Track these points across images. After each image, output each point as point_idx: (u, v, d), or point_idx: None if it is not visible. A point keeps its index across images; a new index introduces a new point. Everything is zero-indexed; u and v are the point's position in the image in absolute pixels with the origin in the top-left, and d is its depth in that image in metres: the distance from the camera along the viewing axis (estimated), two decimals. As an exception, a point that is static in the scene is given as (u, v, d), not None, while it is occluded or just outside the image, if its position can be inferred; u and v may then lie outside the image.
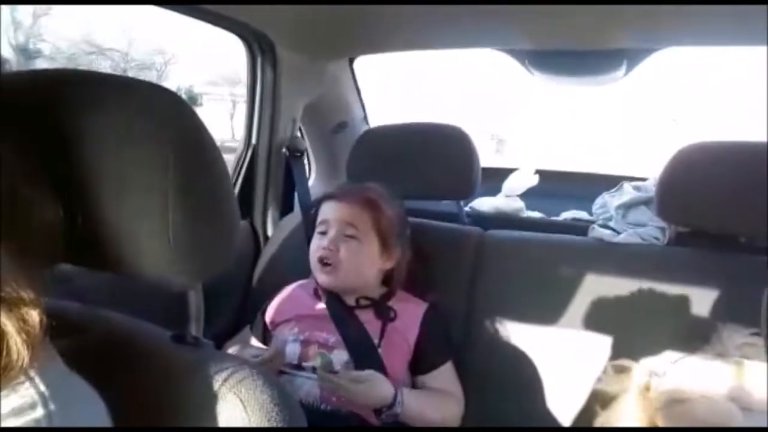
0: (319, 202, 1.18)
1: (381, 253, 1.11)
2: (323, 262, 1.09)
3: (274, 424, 0.49)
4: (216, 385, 0.49)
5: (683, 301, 1.04)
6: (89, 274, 0.51)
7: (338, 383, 0.95)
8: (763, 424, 0.81)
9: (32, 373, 0.39)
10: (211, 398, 0.49)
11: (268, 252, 1.42)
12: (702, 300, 1.04)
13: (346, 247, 1.09)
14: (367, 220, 1.10)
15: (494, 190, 1.69)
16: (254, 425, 0.48)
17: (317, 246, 1.12)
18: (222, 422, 0.48)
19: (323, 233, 1.12)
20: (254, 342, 1.17)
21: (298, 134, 1.57)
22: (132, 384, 0.50)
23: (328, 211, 1.13)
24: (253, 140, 1.42)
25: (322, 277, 1.10)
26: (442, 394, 1.07)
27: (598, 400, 0.98)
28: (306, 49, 1.41)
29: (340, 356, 1.04)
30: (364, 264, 1.10)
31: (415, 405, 1.01)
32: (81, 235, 0.47)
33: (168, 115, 0.49)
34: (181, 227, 0.48)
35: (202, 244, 0.51)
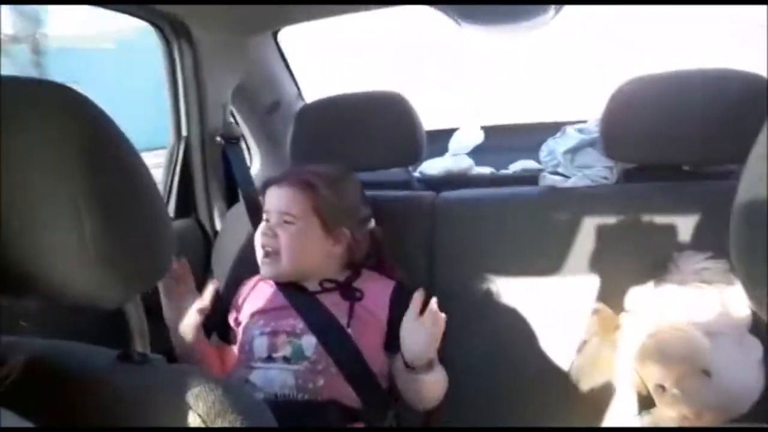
0: (262, 189, 1.13)
1: (326, 236, 1.07)
2: (265, 253, 1.06)
3: None
4: (171, 404, 0.45)
5: (639, 236, 1.06)
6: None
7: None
8: (727, 347, 0.83)
9: None
10: (168, 418, 0.45)
11: (219, 247, 1.36)
12: (657, 232, 1.05)
13: (285, 233, 1.05)
14: (305, 203, 1.06)
15: (441, 152, 1.68)
16: None
17: (258, 234, 1.08)
18: None
19: (266, 220, 1.09)
20: (214, 338, 1.12)
21: (231, 120, 1.49)
22: (75, 413, 0.45)
23: (268, 198, 1.10)
24: (183, 132, 1.34)
25: (263, 269, 1.07)
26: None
27: (571, 346, 0.99)
28: (223, 27, 1.33)
29: (309, 341, 1.01)
30: (307, 249, 1.06)
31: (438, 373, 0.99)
32: None
33: (70, 113, 0.44)
34: (99, 237, 0.42)
35: (127, 253, 0.45)
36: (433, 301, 0.94)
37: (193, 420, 0.45)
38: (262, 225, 1.09)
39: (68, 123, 0.43)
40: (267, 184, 1.12)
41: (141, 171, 0.47)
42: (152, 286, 0.50)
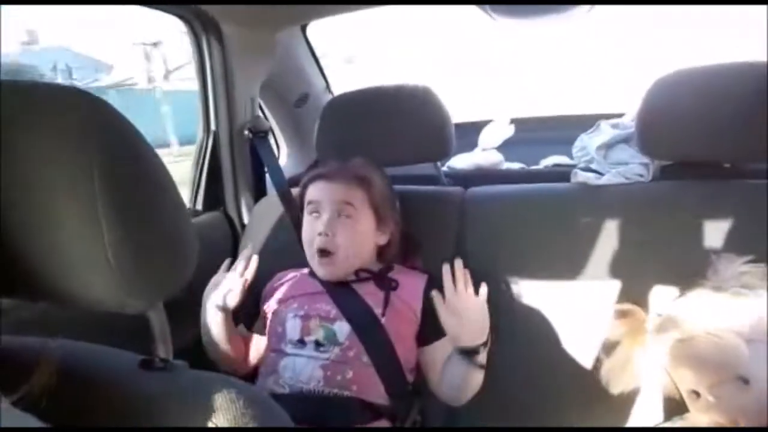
0: (307, 182, 1.12)
1: (377, 229, 1.09)
2: (322, 253, 1.06)
3: None
4: (191, 413, 0.45)
5: (675, 237, 1.02)
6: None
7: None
8: (766, 354, 0.80)
9: None
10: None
11: (247, 240, 1.37)
12: (694, 232, 1.01)
13: (343, 229, 1.05)
14: (362, 196, 1.07)
15: (471, 146, 1.65)
16: None
17: (312, 231, 1.08)
18: None
19: (316, 214, 1.08)
20: (242, 329, 1.13)
21: (260, 113, 1.49)
22: (94, 417, 0.45)
23: (319, 193, 1.09)
24: (212, 126, 1.35)
25: (321, 271, 1.07)
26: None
27: (602, 347, 0.97)
28: (252, 22, 1.32)
29: (342, 327, 1.01)
30: (362, 243, 1.08)
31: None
32: (10, 265, 0.41)
33: (87, 119, 0.43)
34: (120, 244, 0.42)
35: (149, 260, 0.45)
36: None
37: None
38: (314, 219, 1.08)
39: (87, 128, 0.43)
40: (315, 177, 1.11)
41: (161, 176, 0.47)
42: (174, 293, 0.49)
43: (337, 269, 1.06)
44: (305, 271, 1.13)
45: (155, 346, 0.52)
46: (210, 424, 0.44)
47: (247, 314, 1.13)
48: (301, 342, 1.01)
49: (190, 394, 0.47)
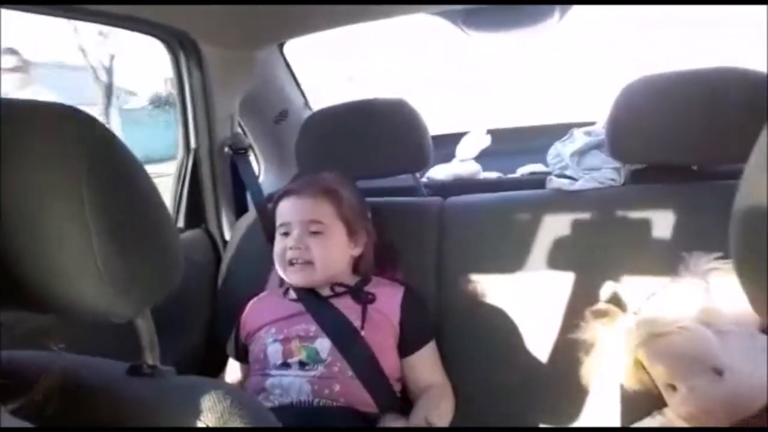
0: (277, 200, 1.13)
1: (349, 241, 1.10)
2: (292, 263, 1.06)
3: None
4: (180, 416, 0.46)
5: (647, 237, 1.05)
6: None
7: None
8: (738, 344, 0.83)
9: None
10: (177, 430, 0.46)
11: (228, 257, 1.37)
12: (665, 232, 1.04)
13: (316, 244, 1.06)
14: (330, 210, 1.08)
15: (449, 157, 1.68)
16: None
17: (282, 247, 1.08)
18: None
19: (286, 233, 1.09)
20: (231, 362, 1.14)
21: (239, 130, 1.50)
22: (88, 424, 0.46)
23: (288, 210, 1.10)
24: (192, 144, 1.36)
25: (293, 277, 1.07)
26: (436, 397, 1.06)
27: (581, 347, 0.99)
28: (230, 42, 1.34)
29: (323, 344, 1.02)
30: (335, 256, 1.08)
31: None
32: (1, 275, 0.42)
33: (77, 133, 0.45)
34: (108, 254, 0.44)
35: (136, 269, 0.46)
36: None
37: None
38: (284, 236, 1.09)
39: (76, 143, 0.44)
40: (284, 194, 1.12)
41: (148, 188, 0.49)
42: (160, 300, 0.50)
43: (314, 277, 1.06)
44: (279, 291, 1.13)
45: (143, 352, 0.53)
46: (199, 424, 0.45)
47: (236, 346, 1.13)
48: (285, 365, 1.01)
49: (178, 397, 0.48)
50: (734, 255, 0.36)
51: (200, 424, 0.45)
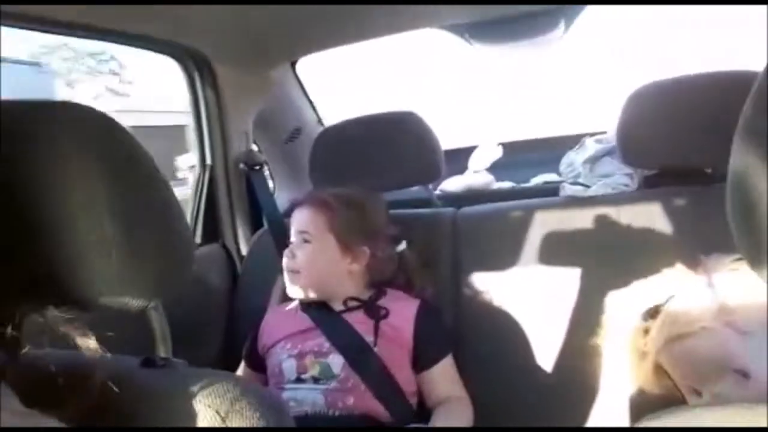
0: (290, 212, 1.18)
1: (342, 254, 1.10)
2: (287, 271, 1.11)
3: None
4: (192, 404, 0.47)
5: (663, 241, 1.05)
6: None
7: None
8: (763, 343, 0.81)
9: None
10: (189, 418, 0.46)
11: (245, 270, 1.38)
12: (681, 236, 1.04)
13: (302, 252, 1.09)
14: (320, 222, 1.10)
15: (461, 171, 1.68)
16: None
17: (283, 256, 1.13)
18: None
19: (290, 243, 1.14)
20: (243, 367, 1.15)
21: (254, 147, 1.53)
22: (103, 417, 0.47)
23: (292, 221, 1.15)
24: (208, 160, 1.38)
25: (289, 289, 1.11)
26: (453, 412, 1.04)
27: (599, 355, 0.98)
28: (243, 61, 1.38)
29: (336, 360, 1.02)
30: (324, 267, 1.09)
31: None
32: (22, 271, 0.44)
33: (95, 131, 0.47)
34: (122, 247, 0.46)
35: (148, 261, 0.49)
36: None
37: (212, 417, 0.46)
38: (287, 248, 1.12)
39: (93, 141, 0.47)
40: (292, 207, 1.17)
41: (161, 186, 0.51)
42: (172, 293, 0.52)
43: (301, 287, 1.09)
44: (294, 304, 1.14)
45: (156, 345, 0.54)
46: (210, 410, 0.46)
47: (254, 358, 1.15)
48: (299, 380, 1.02)
49: (190, 387, 0.48)
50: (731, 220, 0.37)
51: (211, 411, 0.46)
